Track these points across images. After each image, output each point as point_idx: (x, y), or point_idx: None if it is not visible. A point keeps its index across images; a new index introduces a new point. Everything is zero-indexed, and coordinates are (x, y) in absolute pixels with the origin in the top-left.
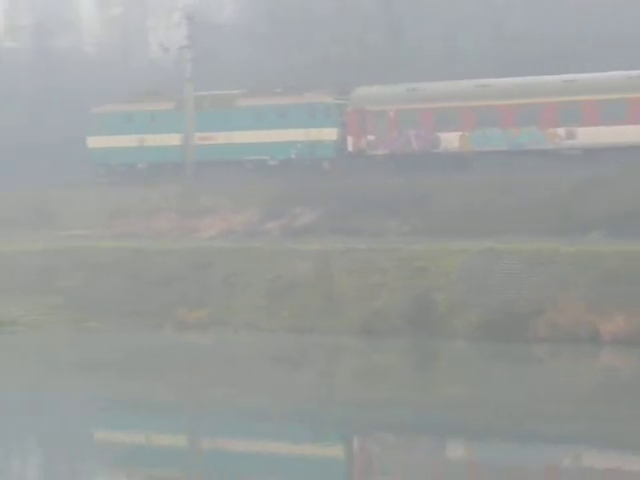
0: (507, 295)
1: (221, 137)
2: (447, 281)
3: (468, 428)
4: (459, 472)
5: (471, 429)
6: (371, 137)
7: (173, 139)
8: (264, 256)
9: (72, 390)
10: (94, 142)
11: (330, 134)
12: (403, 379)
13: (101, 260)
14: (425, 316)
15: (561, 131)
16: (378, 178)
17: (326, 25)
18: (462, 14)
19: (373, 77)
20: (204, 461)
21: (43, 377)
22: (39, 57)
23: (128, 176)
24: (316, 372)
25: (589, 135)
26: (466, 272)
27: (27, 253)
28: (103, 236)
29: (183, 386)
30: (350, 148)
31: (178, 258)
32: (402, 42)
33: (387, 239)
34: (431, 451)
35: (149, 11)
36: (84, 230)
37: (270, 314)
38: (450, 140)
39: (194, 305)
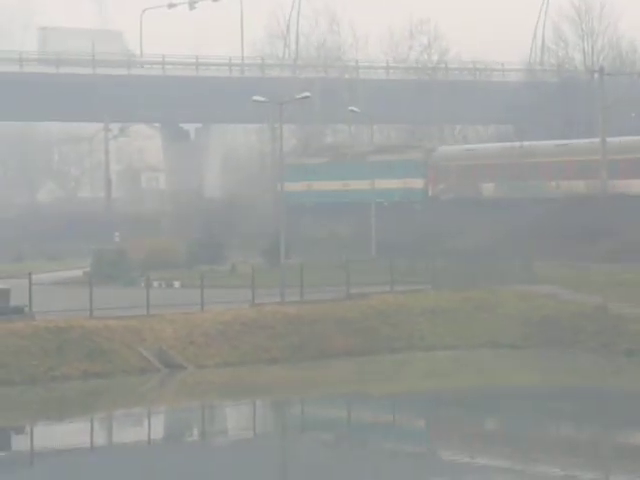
0: None
1: (354, 184)
2: None
3: None
4: None
5: None
6: (442, 185)
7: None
8: None
9: None
10: None
11: (419, 183)
12: None
13: None
14: None
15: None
16: None
17: None
18: None
19: None
20: None
21: None
22: None
23: None
24: None
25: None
26: None
27: None
28: None
29: None
30: (430, 194)
31: None
32: None
33: None
34: None
35: None
36: None
37: None
38: (488, 189)
39: None
